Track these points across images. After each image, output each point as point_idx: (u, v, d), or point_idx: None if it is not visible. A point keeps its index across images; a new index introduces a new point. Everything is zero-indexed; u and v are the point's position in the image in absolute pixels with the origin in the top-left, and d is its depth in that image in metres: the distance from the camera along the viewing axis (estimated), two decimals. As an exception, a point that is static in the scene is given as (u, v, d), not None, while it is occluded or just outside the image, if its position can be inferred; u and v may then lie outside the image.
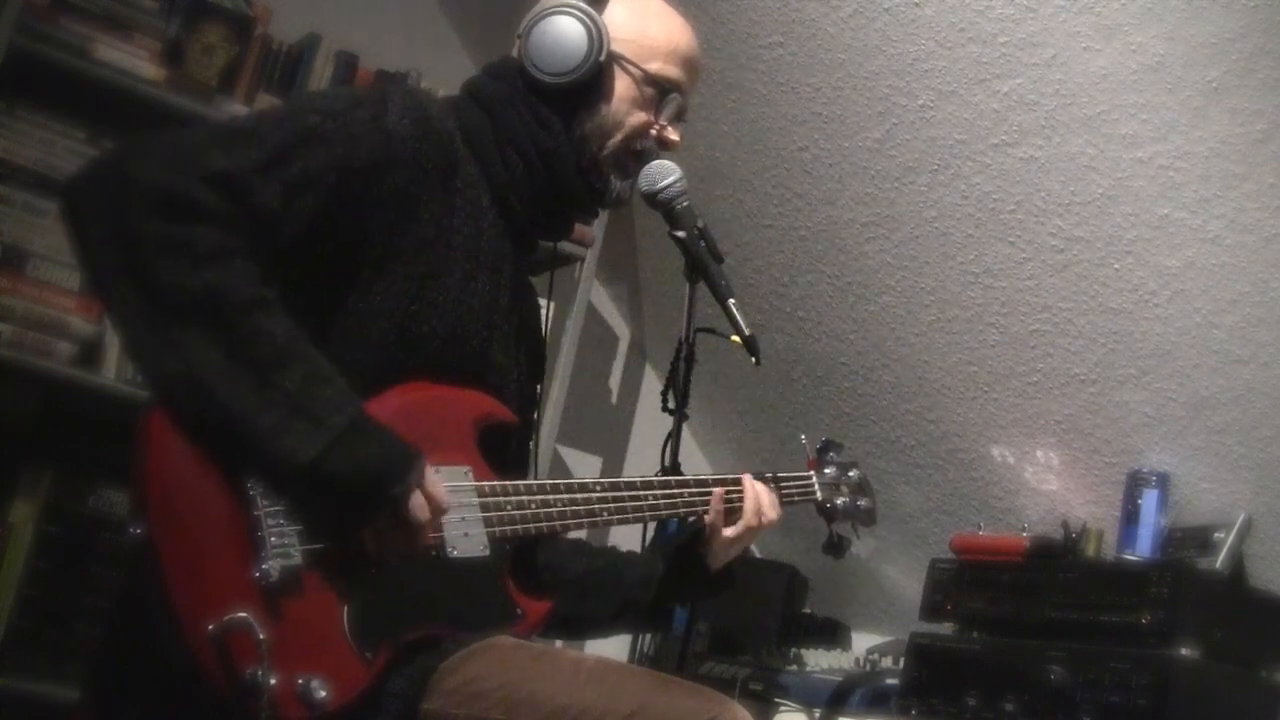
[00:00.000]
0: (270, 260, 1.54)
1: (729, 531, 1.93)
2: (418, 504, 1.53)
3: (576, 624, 1.99)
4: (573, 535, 1.91)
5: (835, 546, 2.16)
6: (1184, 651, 2.40)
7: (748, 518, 1.93)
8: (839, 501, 2.16)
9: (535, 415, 2.01)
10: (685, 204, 1.90)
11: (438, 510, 1.56)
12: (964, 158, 2.78)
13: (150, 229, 1.45)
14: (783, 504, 2.03)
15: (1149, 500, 2.77)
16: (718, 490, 1.92)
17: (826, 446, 2.21)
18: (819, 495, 2.14)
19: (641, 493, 1.84)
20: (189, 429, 1.48)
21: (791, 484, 2.09)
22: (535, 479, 1.83)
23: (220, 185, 1.49)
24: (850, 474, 2.20)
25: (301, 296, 1.59)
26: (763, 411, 3.67)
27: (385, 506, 1.50)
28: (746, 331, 1.90)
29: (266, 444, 1.44)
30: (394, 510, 1.51)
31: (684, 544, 1.97)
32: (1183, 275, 2.57)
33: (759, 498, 1.95)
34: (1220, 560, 2.60)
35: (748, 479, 1.96)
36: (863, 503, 2.20)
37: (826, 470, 2.18)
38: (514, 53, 1.85)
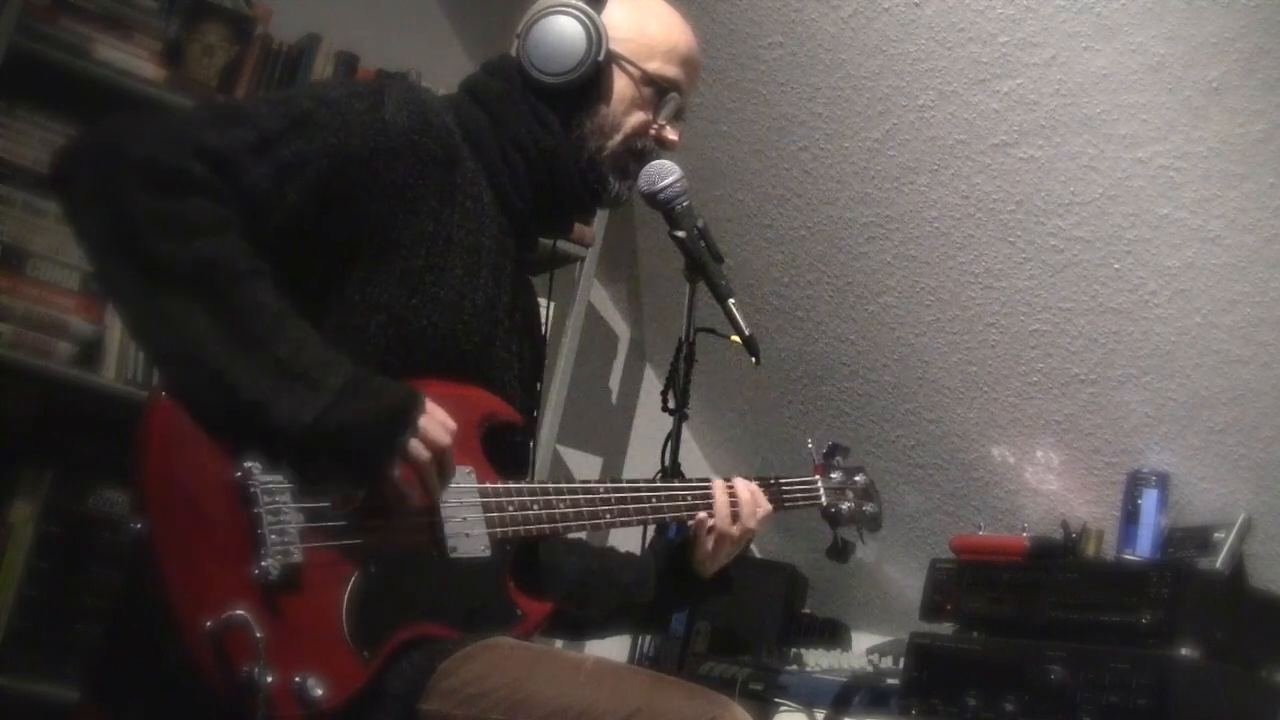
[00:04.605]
0: (262, 244, 1.53)
1: (708, 542, 1.91)
2: (430, 431, 1.53)
3: (575, 624, 1.99)
4: (572, 536, 1.91)
5: (840, 551, 2.14)
6: (1184, 651, 2.39)
7: (721, 527, 1.90)
8: (844, 506, 2.15)
9: (536, 414, 2.01)
10: (685, 204, 1.89)
11: (442, 442, 1.55)
12: (964, 158, 2.78)
13: (142, 202, 1.45)
14: (786, 508, 2.02)
15: (1149, 500, 2.76)
16: (700, 515, 1.89)
17: (833, 450, 2.19)
18: (824, 500, 2.13)
19: (644, 494, 1.84)
20: (188, 404, 1.47)
21: (796, 488, 2.08)
22: (534, 479, 1.83)
23: (211, 161, 1.50)
24: (857, 479, 2.19)
25: (300, 289, 1.59)
26: (763, 412, 3.66)
27: (395, 452, 1.50)
28: (746, 331, 1.90)
29: (265, 410, 1.43)
30: (404, 455, 1.51)
31: (674, 550, 1.96)
32: (1183, 275, 2.56)
33: (731, 506, 1.91)
34: (1220, 560, 2.59)
35: (719, 487, 1.91)
36: (869, 508, 2.18)
37: (832, 475, 2.16)
38: (512, 52, 1.85)
